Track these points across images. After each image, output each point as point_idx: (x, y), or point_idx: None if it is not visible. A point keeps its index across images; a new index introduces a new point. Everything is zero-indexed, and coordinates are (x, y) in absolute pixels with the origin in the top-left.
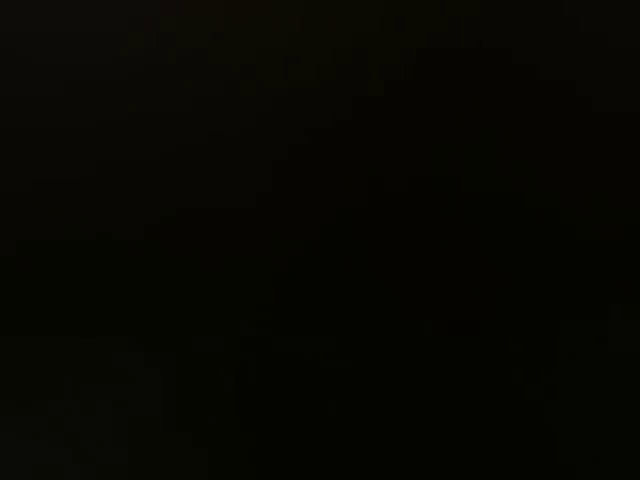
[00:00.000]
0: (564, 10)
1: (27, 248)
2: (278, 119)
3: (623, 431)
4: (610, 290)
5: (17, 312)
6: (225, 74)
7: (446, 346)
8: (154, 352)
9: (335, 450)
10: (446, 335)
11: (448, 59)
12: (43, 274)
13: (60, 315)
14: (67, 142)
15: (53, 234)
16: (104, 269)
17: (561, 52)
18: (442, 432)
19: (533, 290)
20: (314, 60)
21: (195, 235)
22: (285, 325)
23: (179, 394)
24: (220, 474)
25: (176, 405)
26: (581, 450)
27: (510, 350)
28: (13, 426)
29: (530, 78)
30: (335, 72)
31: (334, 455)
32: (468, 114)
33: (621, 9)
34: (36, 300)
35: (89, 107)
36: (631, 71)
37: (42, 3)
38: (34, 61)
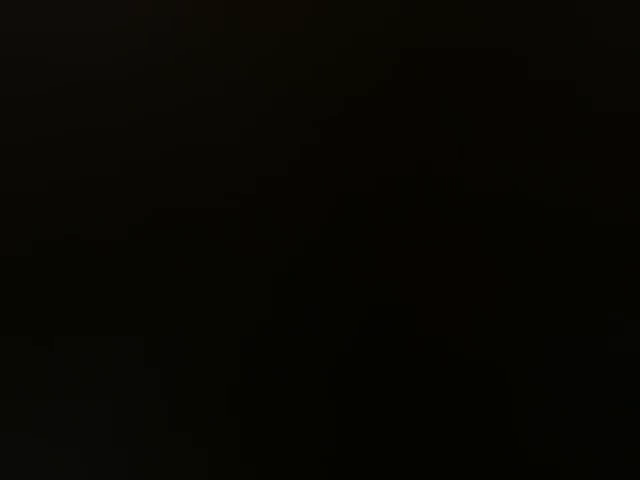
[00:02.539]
0: (565, 10)
1: (26, 248)
2: (278, 119)
3: (623, 432)
4: (610, 290)
5: (17, 312)
6: (225, 74)
7: (447, 346)
8: (154, 352)
9: (335, 450)
10: (448, 335)
11: (448, 59)
12: (43, 274)
13: (60, 315)
14: (67, 142)
15: (53, 234)
16: (104, 269)
17: (563, 52)
18: (441, 432)
19: (533, 290)
20: (314, 60)
21: (195, 235)
22: (285, 325)
23: (179, 394)
24: (220, 474)
25: (176, 405)
26: (581, 450)
27: (511, 350)
28: (13, 426)
29: (531, 78)
30: (334, 72)
31: (334, 455)
32: (468, 114)
33: (621, 9)
34: (36, 300)
35: (89, 107)
36: (631, 71)
37: (42, 3)
38: (34, 61)
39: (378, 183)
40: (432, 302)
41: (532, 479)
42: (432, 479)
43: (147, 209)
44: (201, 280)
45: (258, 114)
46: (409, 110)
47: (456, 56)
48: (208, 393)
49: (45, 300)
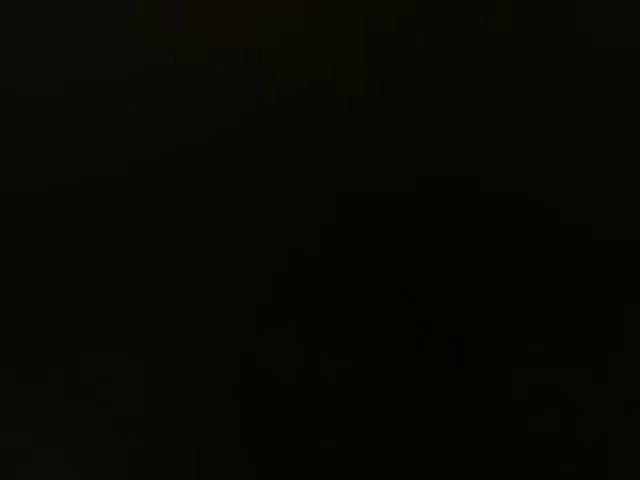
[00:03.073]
0: (565, 10)
1: (27, 248)
2: (278, 119)
3: (624, 431)
4: (610, 289)
5: (17, 312)
6: (225, 74)
7: (448, 345)
8: (154, 352)
9: (336, 449)
10: (448, 335)
11: (449, 59)
12: (43, 274)
13: (60, 315)
14: (67, 142)
15: (53, 234)
16: (104, 269)
17: (563, 52)
18: (442, 431)
19: (533, 289)
20: (314, 60)
21: (195, 235)
22: (285, 325)
23: (179, 394)
24: (220, 474)
25: (176, 405)
26: (581, 450)
27: (511, 349)
28: (13, 426)
29: (531, 78)
30: (335, 72)
31: (335, 454)
32: (468, 114)
33: (621, 9)
34: (37, 300)
35: (89, 107)
36: (632, 71)
37: (42, 3)
38: (34, 61)
39: (378, 183)
40: (432, 301)
41: (532, 478)
42: (433, 477)
43: (147, 209)
44: (201, 280)
45: (258, 114)
46: (410, 110)
47: (456, 56)
48: (208, 393)
49: (45, 300)
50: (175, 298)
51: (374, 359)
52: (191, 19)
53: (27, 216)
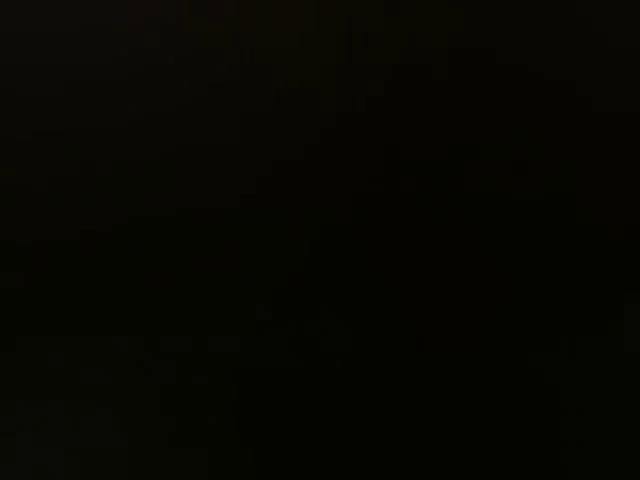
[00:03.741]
0: (565, 10)
1: (27, 248)
2: (278, 119)
3: (625, 432)
4: (612, 289)
5: (17, 312)
6: (225, 74)
7: (447, 346)
8: (154, 352)
9: (335, 450)
10: (451, 336)
11: (449, 59)
12: (43, 274)
13: (60, 315)
14: (67, 142)
15: (53, 234)
16: (104, 269)
17: (562, 52)
18: (442, 433)
19: (533, 290)
20: (315, 60)
21: (194, 235)
22: (285, 325)
23: (179, 394)
24: (220, 474)
25: (176, 405)
26: (582, 451)
27: (511, 349)
28: (13, 426)
29: (531, 78)
30: (335, 71)
31: (334, 455)
32: (468, 114)
33: (621, 9)
34: (36, 300)
35: (89, 107)
36: (631, 71)
37: (42, 3)
38: (34, 61)
39: (378, 183)
40: (432, 301)
41: (532, 479)
42: (432, 479)
43: (147, 209)
44: (201, 280)
45: (258, 114)
46: (410, 110)
47: (457, 56)
48: (208, 393)
49: (45, 300)
50: (175, 298)
51: (374, 359)
52: (191, 19)
53: (27, 216)
